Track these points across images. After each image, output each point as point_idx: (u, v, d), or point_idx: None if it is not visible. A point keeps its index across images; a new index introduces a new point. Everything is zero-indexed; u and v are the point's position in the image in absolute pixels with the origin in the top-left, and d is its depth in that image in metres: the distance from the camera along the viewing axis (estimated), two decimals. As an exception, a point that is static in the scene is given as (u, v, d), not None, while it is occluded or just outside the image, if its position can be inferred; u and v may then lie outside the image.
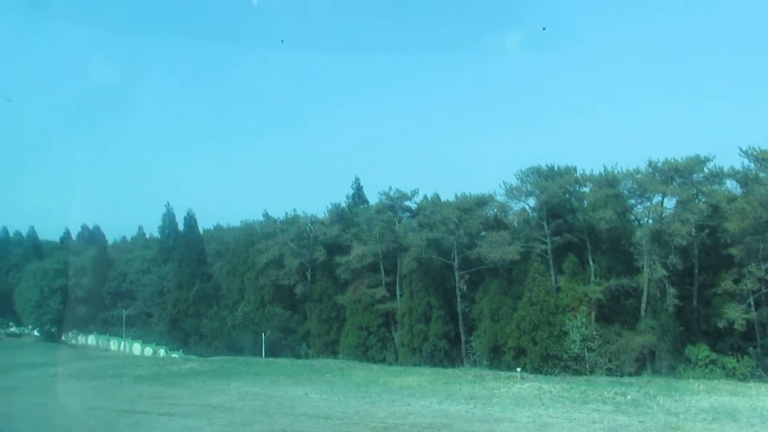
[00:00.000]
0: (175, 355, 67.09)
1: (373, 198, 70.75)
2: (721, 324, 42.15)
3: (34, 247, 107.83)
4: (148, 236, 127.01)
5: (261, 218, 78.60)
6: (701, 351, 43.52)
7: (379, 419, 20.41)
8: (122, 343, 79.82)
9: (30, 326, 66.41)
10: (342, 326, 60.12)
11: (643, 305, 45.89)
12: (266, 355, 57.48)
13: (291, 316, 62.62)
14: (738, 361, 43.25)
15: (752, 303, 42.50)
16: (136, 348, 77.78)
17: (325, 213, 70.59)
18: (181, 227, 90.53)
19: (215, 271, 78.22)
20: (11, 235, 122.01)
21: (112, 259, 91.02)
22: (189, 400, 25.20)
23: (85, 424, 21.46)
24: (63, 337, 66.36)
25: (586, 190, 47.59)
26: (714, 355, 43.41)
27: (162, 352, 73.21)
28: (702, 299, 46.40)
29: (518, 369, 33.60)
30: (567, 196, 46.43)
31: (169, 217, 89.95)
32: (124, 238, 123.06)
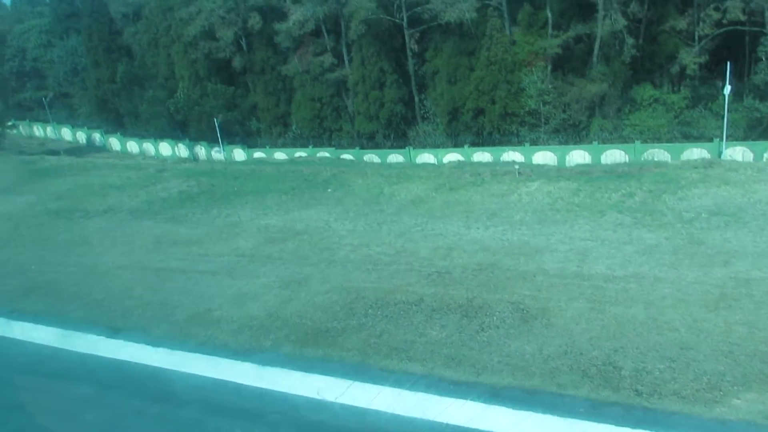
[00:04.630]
0: (131, 142, 64.11)
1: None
2: (673, 70, 43.79)
3: None
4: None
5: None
6: (646, 92, 45.88)
7: (426, 261, 20.98)
8: (47, 128, 75.17)
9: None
10: (290, 98, 58.29)
11: (596, 52, 46.28)
12: (222, 139, 56.30)
13: (234, 92, 59.62)
14: (675, 94, 46.28)
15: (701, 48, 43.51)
16: (66, 133, 73.78)
17: None
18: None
19: (132, 42, 70.32)
20: None
21: (1, 32, 79.23)
22: (214, 246, 24.57)
23: (134, 291, 21.29)
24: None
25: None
26: (657, 94, 45.96)
27: (98, 136, 70.07)
28: (648, 37, 46.90)
29: (516, 166, 34.39)
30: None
31: (55, -23, 76.60)
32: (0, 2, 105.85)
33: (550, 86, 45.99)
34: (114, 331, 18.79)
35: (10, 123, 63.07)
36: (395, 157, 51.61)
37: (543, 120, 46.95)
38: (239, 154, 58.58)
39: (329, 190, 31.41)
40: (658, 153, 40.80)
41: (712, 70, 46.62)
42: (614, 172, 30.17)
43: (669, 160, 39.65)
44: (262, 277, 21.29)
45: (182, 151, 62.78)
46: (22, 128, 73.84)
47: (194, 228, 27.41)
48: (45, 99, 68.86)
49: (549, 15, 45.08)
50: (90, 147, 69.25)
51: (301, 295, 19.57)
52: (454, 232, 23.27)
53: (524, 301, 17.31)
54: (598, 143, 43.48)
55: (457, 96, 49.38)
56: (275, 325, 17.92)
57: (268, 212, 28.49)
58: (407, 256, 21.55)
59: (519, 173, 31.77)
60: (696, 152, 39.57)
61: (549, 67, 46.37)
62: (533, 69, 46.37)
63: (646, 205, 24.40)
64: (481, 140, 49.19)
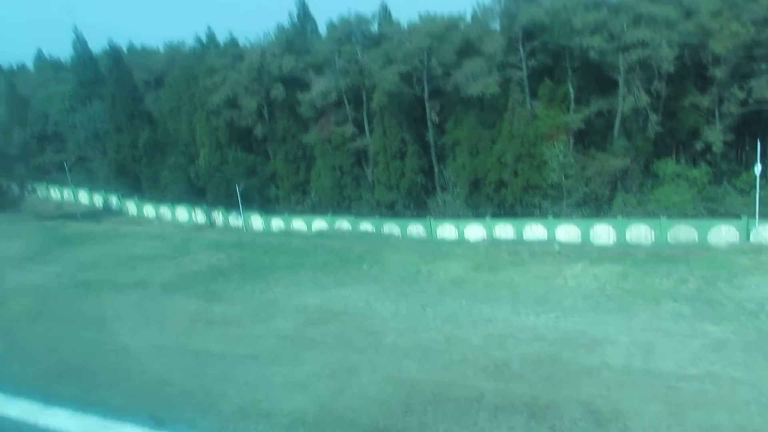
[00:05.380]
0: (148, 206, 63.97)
1: (321, 16, 64.78)
2: (698, 146, 44.32)
3: None
4: (48, 56, 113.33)
5: (186, 39, 70.83)
6: (668, 167, 46.24)
7: (480, 351, 20.27)
8: (65, 191, 75.62)
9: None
10: (310, 166, 58.87)
11: (617, 127, 47.01)
12: (244, 206, 56.47)
13: (254, 159, 60.23)
14: (697, 170, 46.49)
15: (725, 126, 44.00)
16: (83, 196, 74.19)
17: (258, 36, 64.57)
18: (94, 48, 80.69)
19: (154, 109, 71.72)
20: None
21: (24, 97, 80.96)
22: (252, 327, 23.87)
23: (173, 377, 20.42)
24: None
25: (564, 5, 44.06)
26: (680, 169, 46.25)
27: (114, 200, 70.40)
28: (667, 112, 47.56)
29: (556, 246, 34.03)
30: (548, 17, 43.45)
31: (81, 44, 79.23)
32: (24, 65, 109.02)
33: (572, 160, 46.42)
34: (158, 423, 17.93)
35: (30, 186, 63.41)
36: (415, 227, 51.58)
37: (565, 193, 47.12)
38: (257, 220, 58.63)
39: (364, 267, 30.93)
40: (685, 229, 40.70)
41: (732, 145, 47.15)
42: (660, 255, 29.79)
43: (697, 238, 39.52)
44: (307, 364, 20.54)
45: (199, 216, 62.89)
46: (40, 191, 74.24)
47: (229, 305, 26.78)
48: (66, 163, 69.45)
49: (571, 90, 46.03)
50: (106, 210, 69.57)
51: (353, 387, 18.83)
52: (504, 318, 22.67)
53: (594, 402, 16.58)
54: (622, 218, 43.48)
55: (479, 167, 49.81)
56: (330, 420, 17.12)
57: (304, 290, 27.93)
58: (459, 344, 20.87)
59: (559, 253, 31.50)
60: (724, 230, 39.43)
61: (571, 141, 46.95)
62: (555, 143, 46.91)
63: (702, 294, 23.90)
64: (503, 212, 49.26)
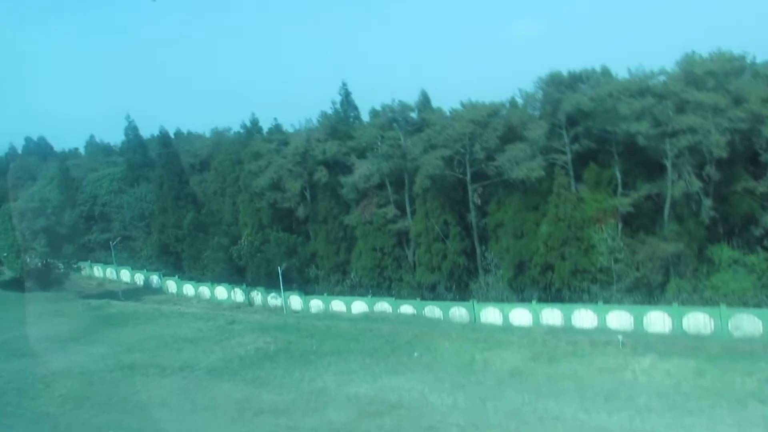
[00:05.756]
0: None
1: (362, 104, 66.97)
2: (757, 232, 42.95)
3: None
4: (99, 141, 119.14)
5: (231, 125, 73.73)
6: (724, 252, 44.63)
7: None
8: (107, 269, 76.82)
9: (14, 271, 61.67)
10: (350, 246, 58.86)
11: (666, 210, 45.99)
12: (283, 286, 56.25)
13: (296, 240, 60.57)
14: (755, 255, 44.60)
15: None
16: (125, 274, 75.12)
17: (301, 122, 66.78)
18: (143, 134, 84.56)
19: (198, 191, 73.80)
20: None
21: (76, 179, 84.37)
22: (304, 418, 22.80)
23: None
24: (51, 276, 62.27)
25: (609, 92, 44.45)
26: (736, 254, 44.51)
27: (155, 278, 71.03)
28: (719, 196, 46.28)
29: (620, 336, 32.57)
30: (593, 104, 43.82)
31: (132, 130, 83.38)
32: (76, 150, 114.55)
33: (621, 244, 45.26)
34: None
35: (76, 265, 64.70)
36: (458, 310, 50.35)
37: (615, 278, 45.62)
38: (296, 300, 58.15)
39: (415, 354, 29.84)
40: (748, 319, 38.60)
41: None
42: (736, 350, 28.00)
43: (762, 329, 37.36)
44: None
45: (238, 296, 62.78)
46: (84, 269, 75.53)
47: (278, 393, 25.86)
48: (112, 242, 71.03)
49: (617, 174, 45.61)
50: (147, 289, 70.15)
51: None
52: (572, 416, 21.21)
53: None
54: (678, 305, 41.67)
55: (524, 250, 48.93)
56: None
57: (355, 377, 26.90)
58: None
59: (622, 344, 29.96)
60: (793, 321, 37.27)
61: (620, 225, 46.00)
62: (603, 226, 46.00)
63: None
64: (549, 296, 47.77)
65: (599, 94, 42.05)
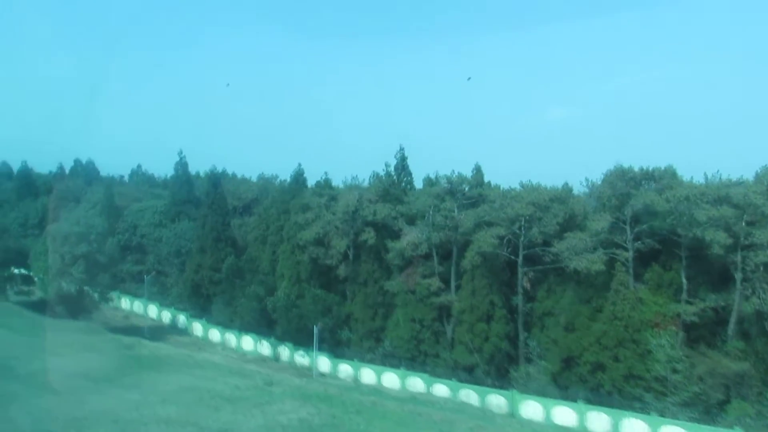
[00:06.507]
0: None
1: (416, 170, 66.73)
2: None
3: (27, 184, 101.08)
4: (144, 171, 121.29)
5: (278, 174, 73.72)
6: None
7: None
8: (135, 303, 75.83)
9: (45, 293, 60.99)
10: (387, 313, 57.08)
11: (732, 324, 43.69)
12: (321, 347, 54.48)
13: (332, 299, 59.09)
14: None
15: None
16: (152, 310, 74.02)
17: (347, 178, 66.65)
18: (191, 171, 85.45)
19: (238, 234, 73.35)
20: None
21: (119, 208, 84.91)
22: None
23: None
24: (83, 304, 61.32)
25: (686, 195, 42.93)
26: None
27: (182, 318, 69.73)
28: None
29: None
30: (668, 205, 42.42)
31: (182, 166, 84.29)
32: (121, 177, 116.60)
33: (681, 354, 42.81)
34: None
35: (108, 295, 63.89)
36: (496, 399, 47.83)
37: (671, 389, 42.88)
38: (324, 362, 56.12)
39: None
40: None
41: None
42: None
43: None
44: None
45: (265, 348, 61.00)
46: (112, 300, 74.67)
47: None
48: (147, 275, 70.37)
49: (683, 280, 43.65)
50: (172, 328, 68.74)
51: None
52: None
53: None
54: (740, 429, 38.73)
55: (574, 345, 46.65)
56: None
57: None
58: None
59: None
60: None
61: (681, 334, 43.67)
62: (661, 332, 43.71)
63: None
64: (597, 398, 45.06)
65: (675, 196, 40.70)
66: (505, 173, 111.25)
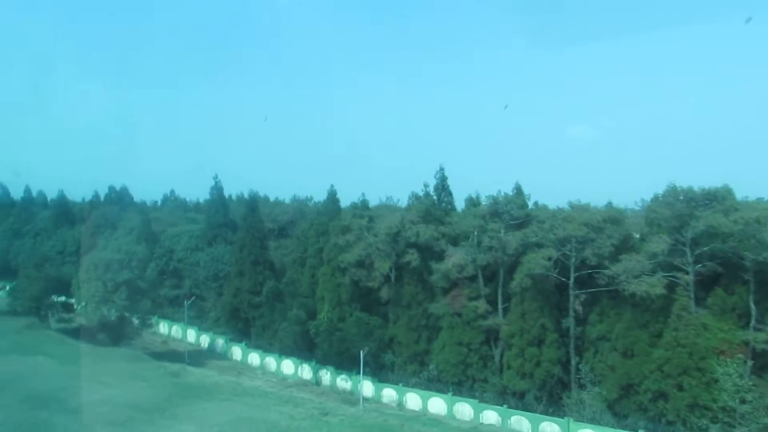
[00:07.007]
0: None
1: (456, 190, 65.42)
2: None
3: (63, 212, 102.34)
4: (177, 196, 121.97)
5: (310, 194, 72.94)
6: None
7: None
8: (173, 327, 75.49)
9: (89, 321, 60.83)
10: (432, 336, 55.67)
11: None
12: (363, 371, 53.22)
13: (375, 322, 57.86)
14: None
15: None
16: (191, 334, 73.49)
17: (382, 198, 65.45)
18: (226, 194, 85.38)
19: (274, 257, 72.72)
20: (34, 195, 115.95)
21: (155, 233, 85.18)
22: None
23: None
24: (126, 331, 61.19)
25: (756, 218, 40.80)
26: None
27: (221, 342, 69.05)
28: None
29: None
30: (736, 227, 40.47)
31: (217, 190, 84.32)
32: (155, 202, 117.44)
33: (750, 383, 40.57)
34: None
35: (149, 321, 63.62)
36: (550, 426, 46.08)
37: (740, 420, 40.61)
38: (368, 386, 54.81)
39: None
40: None
41: None
42: None
43: None
44: None
45: (305, 372, 59.95)
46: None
47: None
48: (187, 300, 69.97)
49: (752, 306, 41.51)
50: (211, 352, 68.08)
51: None
52: None
53: None
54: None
55: (633, 372, 44.66)
56: None
57: None
58: None
59: None
60: None
61: (749, 362, 41.41)
62: (727, 360, 41.52)
63: None
64: (658, 428, 42.92)
65: (743, 218, 38.83)
66: (540, 192, 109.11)
